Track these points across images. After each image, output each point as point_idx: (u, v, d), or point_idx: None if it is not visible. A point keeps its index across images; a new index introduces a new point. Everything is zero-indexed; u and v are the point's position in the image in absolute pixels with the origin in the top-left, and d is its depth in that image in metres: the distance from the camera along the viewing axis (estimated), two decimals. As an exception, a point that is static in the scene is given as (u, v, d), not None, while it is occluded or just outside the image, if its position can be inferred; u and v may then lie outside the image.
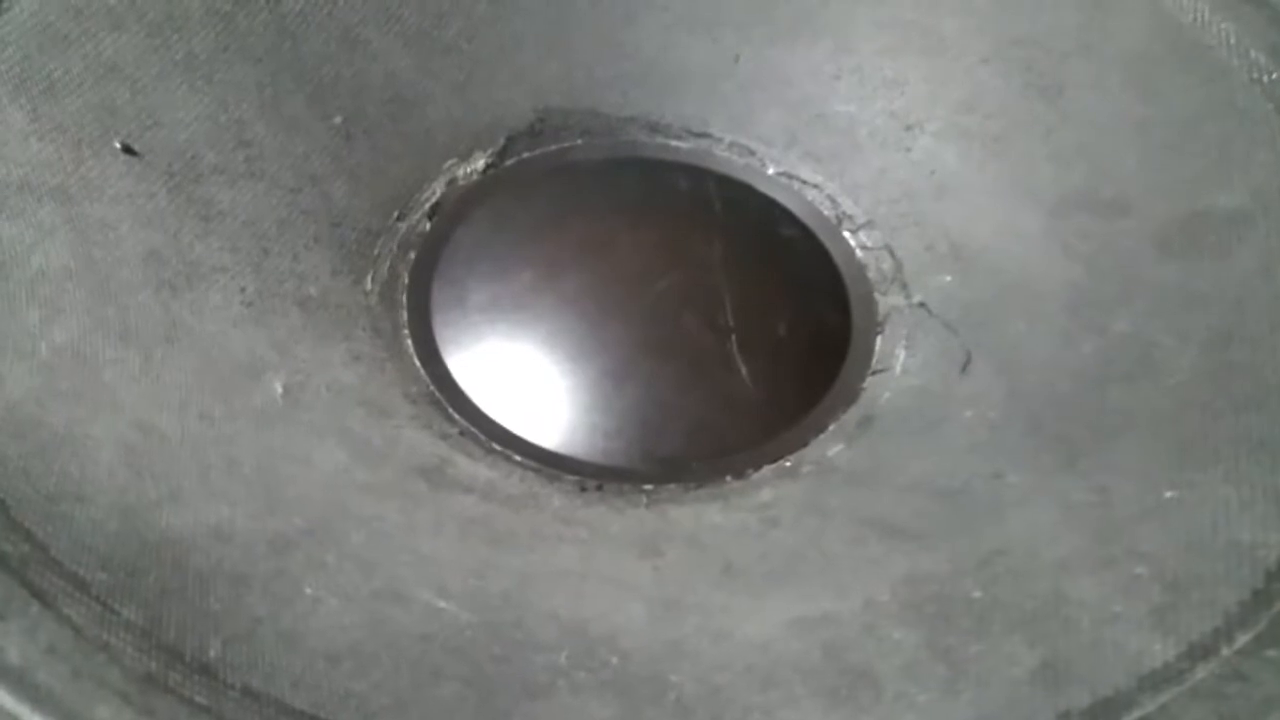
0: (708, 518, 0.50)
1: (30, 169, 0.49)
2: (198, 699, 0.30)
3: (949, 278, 0.61)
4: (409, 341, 0.58)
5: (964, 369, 0.56)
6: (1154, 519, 0.41)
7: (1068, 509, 0.44)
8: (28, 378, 0.41)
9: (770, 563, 0.45)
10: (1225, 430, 0.43)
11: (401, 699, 0.33)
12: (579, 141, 0.69)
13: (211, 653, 0.32)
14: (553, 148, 0.68)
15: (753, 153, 0.69)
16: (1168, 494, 0.42)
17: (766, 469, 0.54)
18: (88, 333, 0.45)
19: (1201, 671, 0.34)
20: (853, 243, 0.65)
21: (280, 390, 0.49)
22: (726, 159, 0.69)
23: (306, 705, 0.31)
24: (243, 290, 0.53)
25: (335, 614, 0.36)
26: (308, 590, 0.37)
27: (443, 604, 0.38)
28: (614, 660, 0.36)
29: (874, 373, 0.59)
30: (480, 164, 0.66)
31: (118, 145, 0.53)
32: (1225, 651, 0.34)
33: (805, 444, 0.55)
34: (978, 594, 0.39)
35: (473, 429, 0.55)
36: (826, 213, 0.67)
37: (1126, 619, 0.37)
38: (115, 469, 0.39)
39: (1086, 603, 0.38)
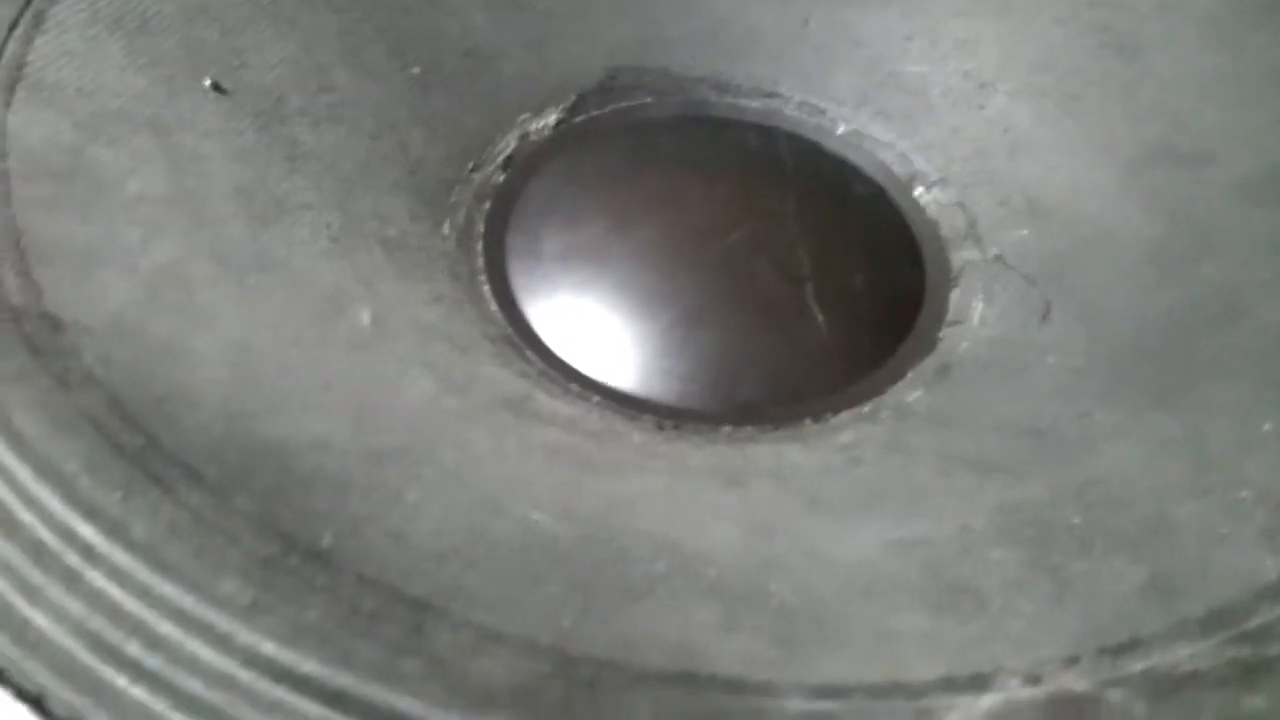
0: (789, 456, 0.49)
1: (126, 100, 0.50)
2: (316, 580, 0.30)
3: (1025, 232, 0.61)
4: (486, 286, 0.59)
5: (1044, 318, 0.56)
6: (1254, 450, 0.41)
7: (1162, 443, 0.43)
8: (130, 291, 0.41)
9: (857, 495, 0.45)
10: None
11: (509, 594, 0.33)
12: (649, 100, 0.69)
13: (324, 543, 0.32)
14: (623, 105, 0.68)
15: (823, 112, 0.69)
16: (1266, 426, 0.42)
17: (845, 413, 0.54)
18: (185, 255, 0.45)
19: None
20: (925, 199, 0.65)
21: (367, 321, 0.49)
22: (796, 118, 0.69)
23: (420, 593, 0.31)
24: (328, 226, 0.53)
25: (437, 519, 0.36)
26: (409, 498, 0.37)
27: (538, 517, 0.38)
28: (711, 572, 0.36)
29: (950, 324, 0.59)
30: (552, 119, 0.67)
31: (207, 83, 0.54)
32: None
33: (883, 391, 0.55)
34: (1076, 520, 0.39)
35: (549, 369, 0.55)
36: (898, 171, 0.66)
37: (1234, 539, 0.36)
38: (217, 380, 0.40)
39: (1191, 526, 0.38)
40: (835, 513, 0.43)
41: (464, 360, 0.51)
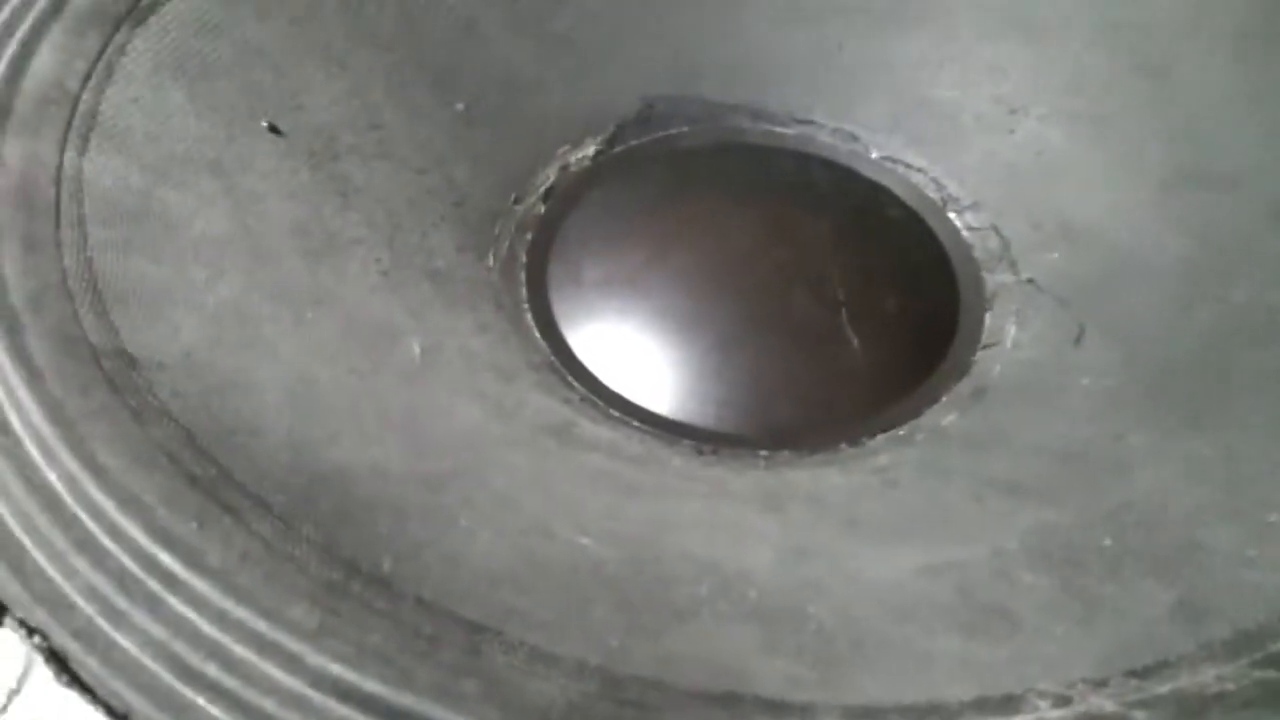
0: (826, 479, 0.51)
1: (190, 144, 0.52)
2: (377, 605, 0.32)
3: (1057, 255, 0.62)
4: (529, 315, 0.61)
5: (1077, 341, 0.57)
6: (1285, 473, 0.42)
7: (1194, 465, 0.44)
8: (199, 328, 0.44)
9: (893, 518, 0.46)
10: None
11: (559, 617, 0.34)
12: (685, 128, 0.70)
13: (385, 567, 0.34)
14: (660, 134, 0.70)
15: (856, 138, 0.70)
16: (1298, 449, 0.42)
17: (881, 436, 0.55)
18: (247, 291, 0.48)
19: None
20: (959, 223, 0.66)
21: (418, 351, 0.51)
22: (830, 144, 0.70)
23: (476, 616, 0.33)
24: (378, 261, 0.56)
25: (489, 543, 0.38)
26: (463, 522, 0.39)
27: (585, 541, 0.40)
28: (752, 594, 0.38)
29: (985, 347, 0.60)
30: (591, 150, 0.69)
31: (264, 125, 0.56)
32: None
33: (919, 413, 0.56)
34: (1108, 542, 0.40)
35: (591, 396, 0.57)
36: (932, 195, 0.67)
37: (1263, 562, 0.37)
38: (281, 410, 0.42)
39: (1220, 549, 0.38)
40: (871, 536, 0.45)
41: (510, 388, 0.53)
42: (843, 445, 0.54)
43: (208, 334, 0.44)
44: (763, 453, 0.54)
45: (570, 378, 0.57)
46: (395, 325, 0.52)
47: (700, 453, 0.54)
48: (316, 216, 0.55)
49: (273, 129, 0.57)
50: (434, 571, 0.35)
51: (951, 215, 0.66)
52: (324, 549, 0.34)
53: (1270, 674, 0.32)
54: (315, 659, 0.30)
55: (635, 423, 0.55)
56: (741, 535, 0.44)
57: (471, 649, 0.31)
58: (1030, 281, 0.61)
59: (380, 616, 0.32)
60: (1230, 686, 0.31)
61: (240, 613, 0.31)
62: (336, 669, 0.30)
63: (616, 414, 0.56)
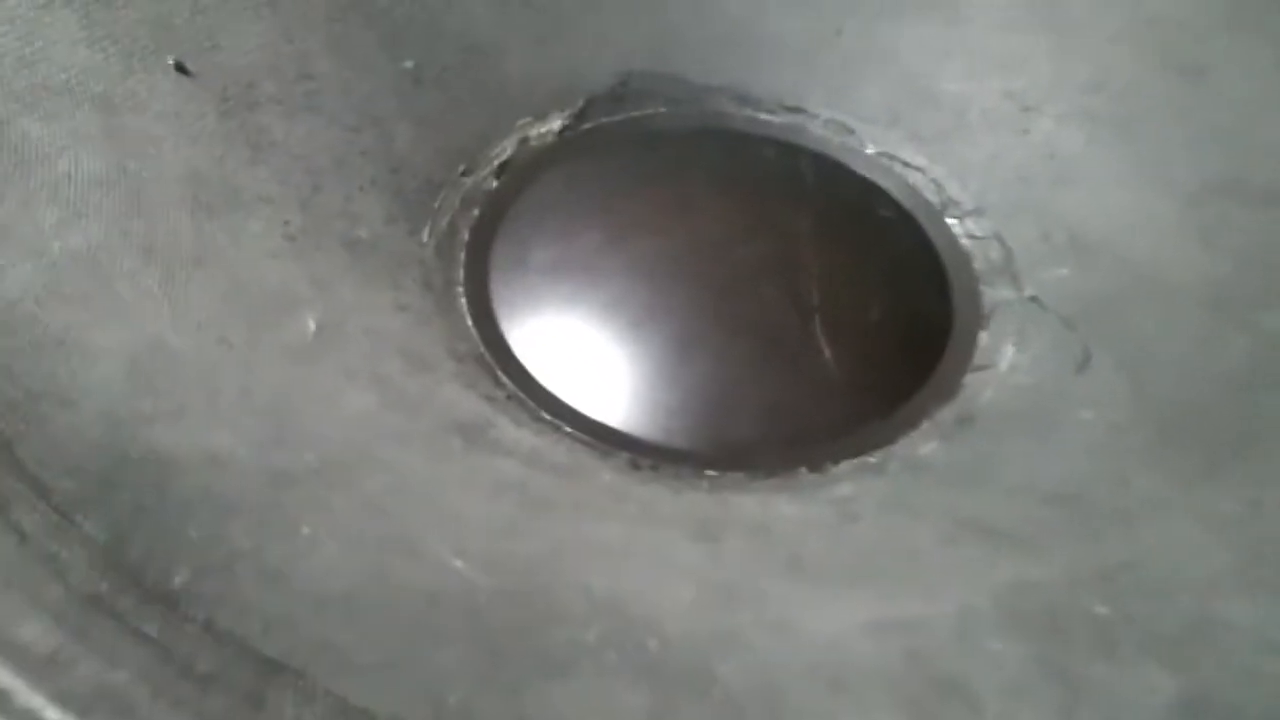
0: (776, 508, 0.43)
1: (75, 74, 0.46)
2: (146, 629, 0.25)
3: (1066, 270, 0.55)
4: (462, 299, 0.53)
5: (1082, 367, 0.49)
6: (1323, 537, 0.34)
7: (1212, 522, 0.37)
8: (31, 276, 0.37)
9: (845, 557, 0.38)
10: None
11: (391, 658, 0.27)
12: (662, 109, 0.64)
13: (177, 580, 0.27)
14: (634, 114, 0.63)
15: (851, 131, 0.63)
16: (1339, 509, 0.35)
17: (847, 464, 0.48)
18: (108, 242, 0.41)
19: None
20: (958, 230, 0.59)
21: (313, 327, 0.44)
22: (821, 136, 0.63)
23: (276, 652, 0.25)
24: (286, 223, 0.49)
25: (332, 558, 0.31)
26: (304, 529, 0.32)
27: (459, 563, 0.33)
28: (652, 644, 0.30)
29: (976, 369, 0.52)
30: (555, 125, 0.62)
31: (171, 62, 0.50)
32: None
33: (894, 440, 0.49)
34: (1102, 609, 0.32)
35: (520, 394, 0.50)
36: (930, 197, 0.60)
37: (1294, 649, 0.29)
38: (112, 379, 0.35)
39: (1239, 626, 0.31)
40: (816, 578, 0.37)
41: (420, 378, 0.46)
42: (802, 470, 0.47)
43: (42, 282, 0.37)
44: (709, 472, 0.47)
45: (500, 372, 0.50)
46: (292, 295, 0.45)
47: (636, 467, 0.46)
48: (218, 167, 0.48)
49: (180, 68, 0.50)
50: (243, 589, 0.28)
51: (950, 220, 0.59)
52: (103, 551, 0.27)
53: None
54: (28, 699, 0.23)
55: (567, 428, 0.48)
56: (660, 568, 0.36)
57: (254, 697, 0.24)
58: (1034, 299, 0.54)
59: (143, 646, 0.25)
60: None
61: (-55, 627, 0.24)
62: (53, 716, 0.23)
63: (547, 416, 0.48)
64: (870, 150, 0.62)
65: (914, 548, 0.38)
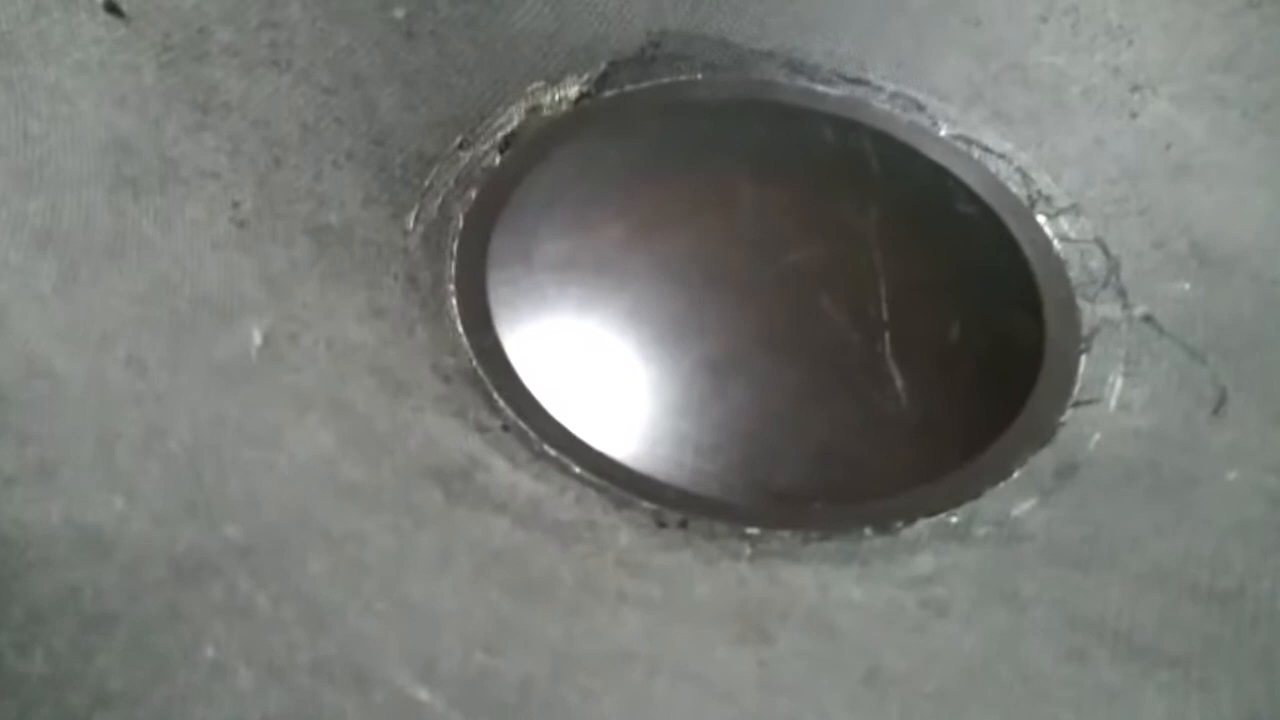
0: (839, 588, 0.34)
1: (-34, 11, 0.36)
2: None
3: (1188, 285, 0.45)
4: (453, 300, 0.44)
5: (1217, 410, 0.40)
6: None
7: None
8: None
9: (939, 675, 0.29)
10: None
11: None
12: (699, 76, 0.54)
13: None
14: (666, 80, 0.54)
15: (922, 108, 0.53)
16: None
17: (922, 523, 0.39)
18: (-14, 227, 0.32)
19: None
20: (1050, 231, 0.49)
21: (258, 340, 0.35)
22: (887, 113, 0.53)
23: None
24: (235, 205, 0.40)
25: (245, 693, 0.22)
26: (209, 650, 0.23)
27: (424, 694, 0.24)
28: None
29: (1078, 404, 0.43)
30: (573, 92, 0.52)
31: (99, 0, 0.40)
32: None
33: (979, 493, 0.40)
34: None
35: (521, 423, 0.40)
36: (1016, 190, 0.51)
37: None
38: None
39: None
40: (903, 704, 0.28)
41: (394, 405, 0.37)
42: (868, 531, 0.38)
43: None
44: (750, 530, 0.38)
45: (496, 394, 0.41)
46: (234, 298, 0.36)
47: (662, 523, 0.37)
48: (151, 134, 0.39)
49: (110, 7, 0.41)
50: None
51: (1041, 219, 0.49)
52: None
53: None
54: None
55: (576, 468, 0.39)
56: (695, 691, 0.27)
57: None
58: (1148, 319, 0.45)
59: None
60: None
61: None
62: None
63: (551, 452, 0.39)
64: (944, 132, 0.53)
65: (1028, 664, 0.29)
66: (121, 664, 0.22)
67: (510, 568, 0.31)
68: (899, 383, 0.43)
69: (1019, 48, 0.53)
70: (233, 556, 0.26)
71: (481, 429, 0.39)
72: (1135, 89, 0.51)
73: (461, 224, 0.47)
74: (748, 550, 0.37)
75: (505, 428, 0.40)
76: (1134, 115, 0.50)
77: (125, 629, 0.23)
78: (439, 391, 0.40)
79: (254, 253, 0.39)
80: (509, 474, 0.37)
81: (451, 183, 0.48)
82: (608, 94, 0.54)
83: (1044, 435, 0.42)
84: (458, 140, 0.49)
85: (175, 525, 0.26)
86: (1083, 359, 0.45)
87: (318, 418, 0.34)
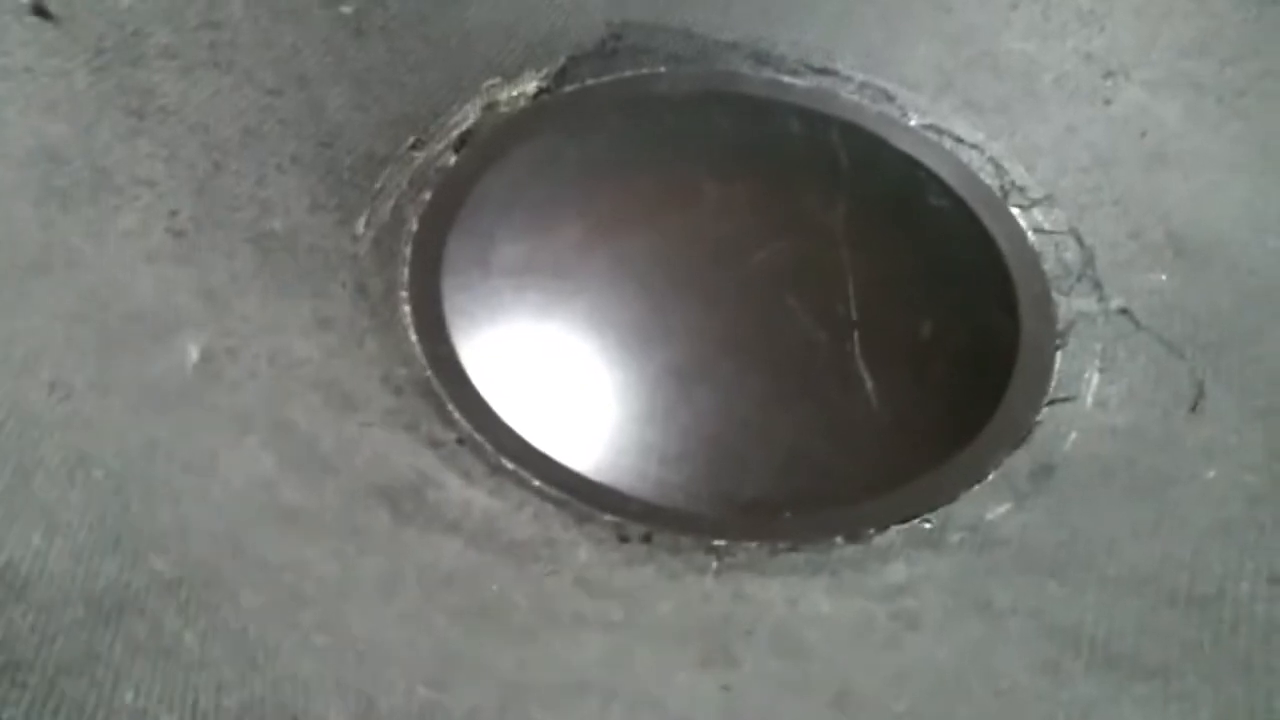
0: (807, 602, 0.33)
1: (-122, 15, 0.35)
2: None
3: (1164, 276, 0.44)
4: (406, 307, 0.43)
5: (1195, 407, 0.39)
6: None
7: None
8: None
9: (910, 693, 0.28)
10: None
11: None
12: (661, 69, 0.53)
13: None
14: (628, 74, 0.52)
15: (891, 98, 0.52)
16: None
17: (895, 530, 0.37)
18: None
19: None
20: (1024, 223, 0.48)
21: (195, 356, 0.33)
22: (856, 104, 0.52)
23: None
24: (173, 214, 0.38)
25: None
26: (128, 695, 0.21)
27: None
28: None
29: (1053, 401, 0.42)
30: (530, 87, 0.51)
31: (24, 1, 0.38)
32: None
33: (953, 497, 0.38)
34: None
35: (477, 435, 0.39)
36: (988, 181, 0.49)
37: None
38: None
39: None
40: (873, 728, 0.27)
41: (340, 421, 0.35)
42: (838, 540, 0.37)
43: None
44: (717, 542, 0.36)
45: (450, 405, 0.39)
46: (171, 312, 0.35)
47: (624, 538, 0.36)
48: (82, 141, 0.38)
49: (39, 10, 0.39)
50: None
51: (1014, 210, 0.48)
52: None
53: None
54: None
55: (535, 481, 0.37)
56: (653, 718, 0.25)
57: None
58: (1124, 312, 0.44)
59: None
60: None
61: None
62: None
63: (509, 465, 0.38)
64: (914, 122, 0.51)
65: (1001, 678, 0.28)
66: (32, 715, 0.20)
67: (461, 592, 0.30)
68: (869, 384, 0.41)
69: (990, 35, 0.52)
70: (159, 592, 0.25)
71: (434, 443, 0.38)
72: (1108, 75, 0.50)
73: (415, 227, 0.46)
74: (714, 564, 0.35)
75: (460, 441, 0.39)
76: (1107, 102, 0.49)
77: (38, 676, 0.21)
78: (389, 405, 0.38)
79: (192, 264, 0.37)
80: (463, 490, 0.36)
81: (404, 184, 0.47)
82: (567, 89, 0.52)
83: (1019, 435, 0.41)
84: (410, 140, 0.47)
85: (97, 560, 0.25)
86: (1059, 355, 0.44)
87: (257, 439, 0.32)
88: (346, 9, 0.47)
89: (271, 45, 0.45)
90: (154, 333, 0.33)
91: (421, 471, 0.35)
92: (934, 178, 0.50)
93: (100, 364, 0.31)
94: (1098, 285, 0.45)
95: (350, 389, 0.37)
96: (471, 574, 0.31)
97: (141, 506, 0.27)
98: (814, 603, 0.33)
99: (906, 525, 0.38)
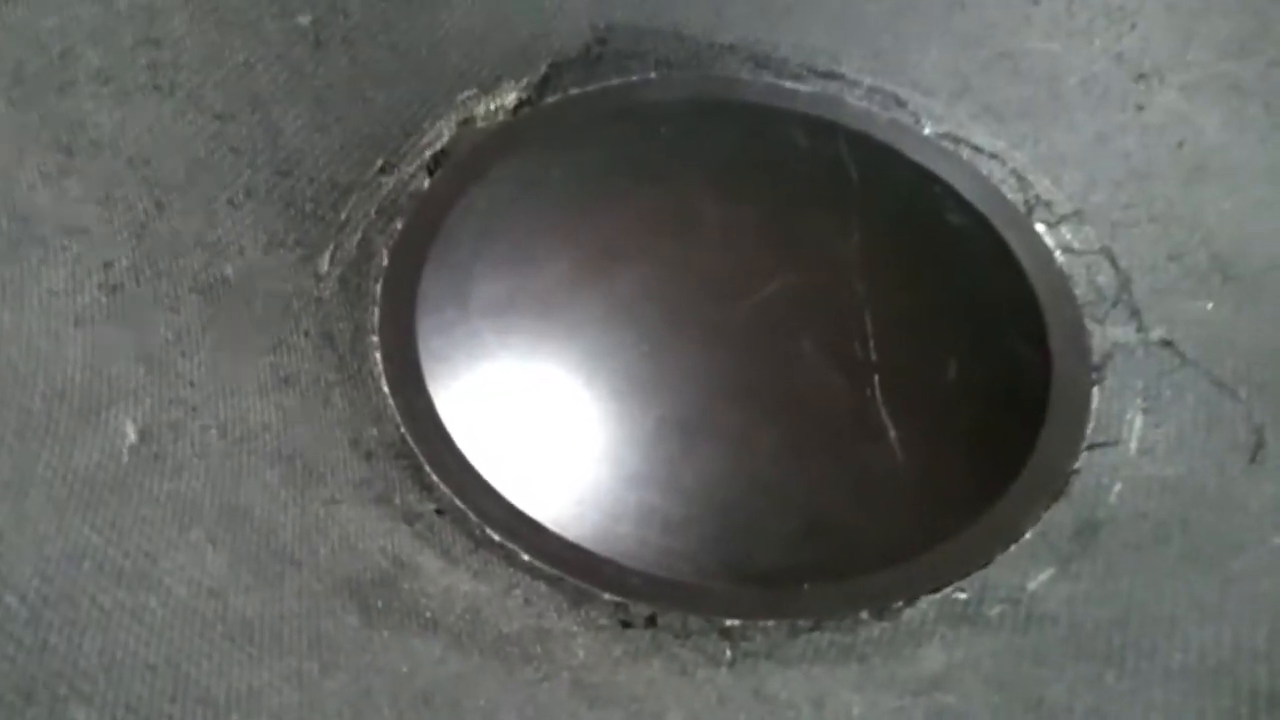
0: (837, 701, 0.29)
1: None
2: None
3: (1211, 305, 0.40)
4: (377, 355, 0.39)
5: (1254, 457, 0.35)
6: None
7: None
8: None
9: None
10: None
11: None
12: (652, 75, 0.49)
13: None
14: (615, 82, 0.49)
15: (903, 104, 0.48)
16: None
17: (925, 601, 0.34)
18: None
19: None
20: (1051, 241, 0.44)
21: (133, 437, 0.29)
22: (865, 111, 0.48)
23: None
24: (107, 266, 0.34)
25: None
26: None
27: None
28: None
29: (1092, 446, 0.38)
30: (509, 99, 0.47)
31: (-70, 25, 0.34)
32: None
33: (988, 560, 0.35)
34: None
35: (459, 502, 0.35)
36: (1011, 195, 0.46)
37: None
38: None
39: None
40: None
41: (304, 500, 0.31)
42: (864, 615, 0.33)
43: None
44: (730, 622, 0.32)
45: (428, 468, 0.36)
46: (106, 386, 0.30)
47: (626, 624, 0.32)
48: (1, 187, 0.32)
49: (-54, 33, 0.34)
50: None
51: (1041, 228, 0.45)
52: None
53: None
54: None
55: (525, 555, 0.34)
56: None
57: None
58: (1167, 344, 0.40)
59: None
60: None
61: None
62: None
63: (495, 537, 0.34)
64: (929, 130, 0.48)
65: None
66: None
67: (441, 712, 0.26)
68: (892, 433, 0.37)
69: (1009, 33, 0.48)
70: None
71: (410, 517, 0.34)
72: (1140, 78, 0.46)
73: (386, 262, 0.42)
74: (727, 652, 0.32)
75: (439, 511, 0.35)
76: (1140, 108, 0.45)
77: None
78: (359, 474, 0.34)
79: (129, 324, 0.33)
80: (443, 575, 0.32)
81: (372, 214, 0.42)
82: (550, 100, 0.48)
83: (1057, 486, 0.37)
84: (378, 163, 0.43)
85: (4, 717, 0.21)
86: (1095, 391, 0.40)
87: (204, 532, 0.28)
88: (303, 19, 0.43)
89: (219, 63, 0.41)
90: (82, 412, 0.29)
91: (395, 555, 0.31)
92: (951, 192, 0.46)
93: (16, 459, 0.27)
94: (1135, 313, 0.41)
95: (313, 459, 0.33)
96: (453, 687, 0.27)
97: (62, 639, 0.23)
98: (843, 703, 0.29)
99: (938, 595, 0.34)
